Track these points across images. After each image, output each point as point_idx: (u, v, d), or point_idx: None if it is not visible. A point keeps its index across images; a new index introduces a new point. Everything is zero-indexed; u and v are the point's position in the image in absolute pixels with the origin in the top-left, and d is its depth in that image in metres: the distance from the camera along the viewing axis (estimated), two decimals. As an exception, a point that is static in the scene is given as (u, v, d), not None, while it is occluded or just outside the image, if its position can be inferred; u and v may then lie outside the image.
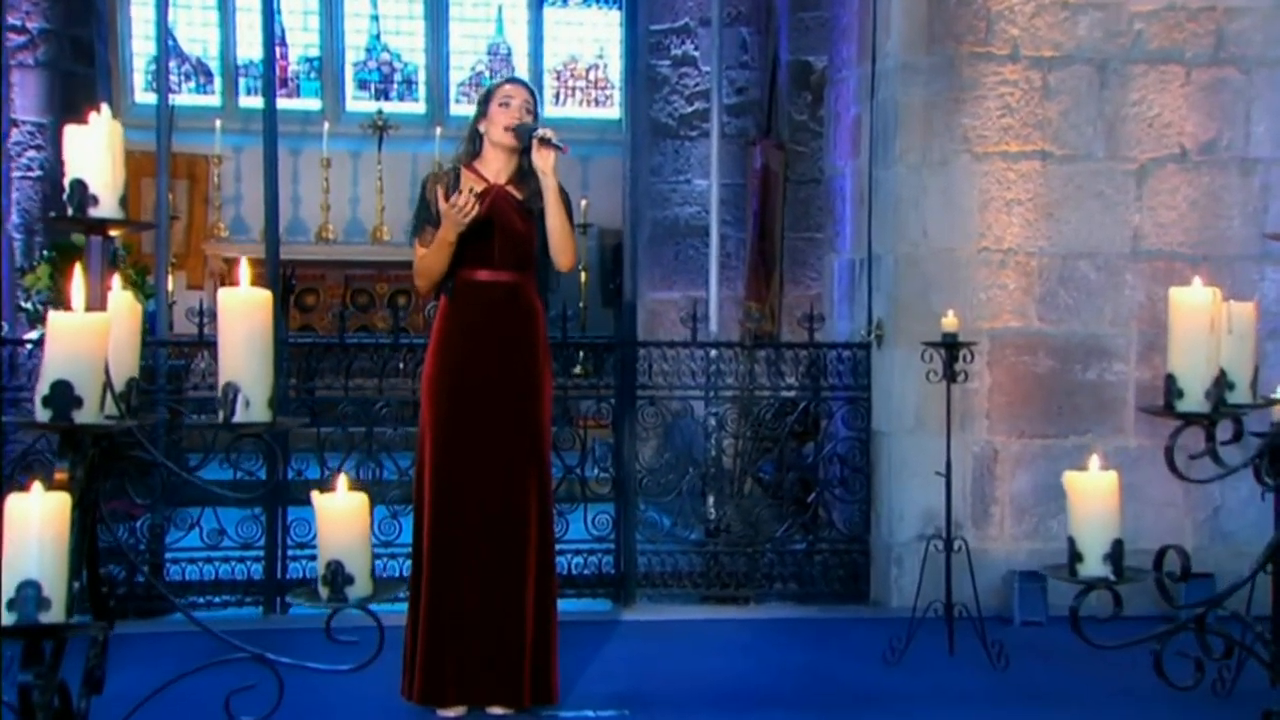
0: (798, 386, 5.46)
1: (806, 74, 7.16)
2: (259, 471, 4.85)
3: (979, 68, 5.16)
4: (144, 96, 10.67)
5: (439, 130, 10.31)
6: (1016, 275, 5.19)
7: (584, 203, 10.04)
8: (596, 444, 5.62)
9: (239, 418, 1.71)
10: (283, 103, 8.26)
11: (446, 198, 3.78)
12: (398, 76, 11.22)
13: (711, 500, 5.56)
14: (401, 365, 5.34)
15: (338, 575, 1.62)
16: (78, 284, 1.62)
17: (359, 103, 11.11)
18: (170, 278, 7.54)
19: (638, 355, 5.34)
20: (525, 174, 3.85)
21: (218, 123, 10.23)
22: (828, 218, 6.12)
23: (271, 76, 5.65)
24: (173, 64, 10.06)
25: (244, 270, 1.78)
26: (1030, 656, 4.50)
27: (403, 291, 9.78)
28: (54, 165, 8.06)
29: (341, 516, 1.64)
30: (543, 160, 3.75)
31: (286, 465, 5.12)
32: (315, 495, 1.67)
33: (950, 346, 4.53)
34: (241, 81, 11.00)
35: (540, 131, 3.75)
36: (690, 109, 7.72)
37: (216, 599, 5.13)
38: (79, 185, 1.67)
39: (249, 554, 5.16)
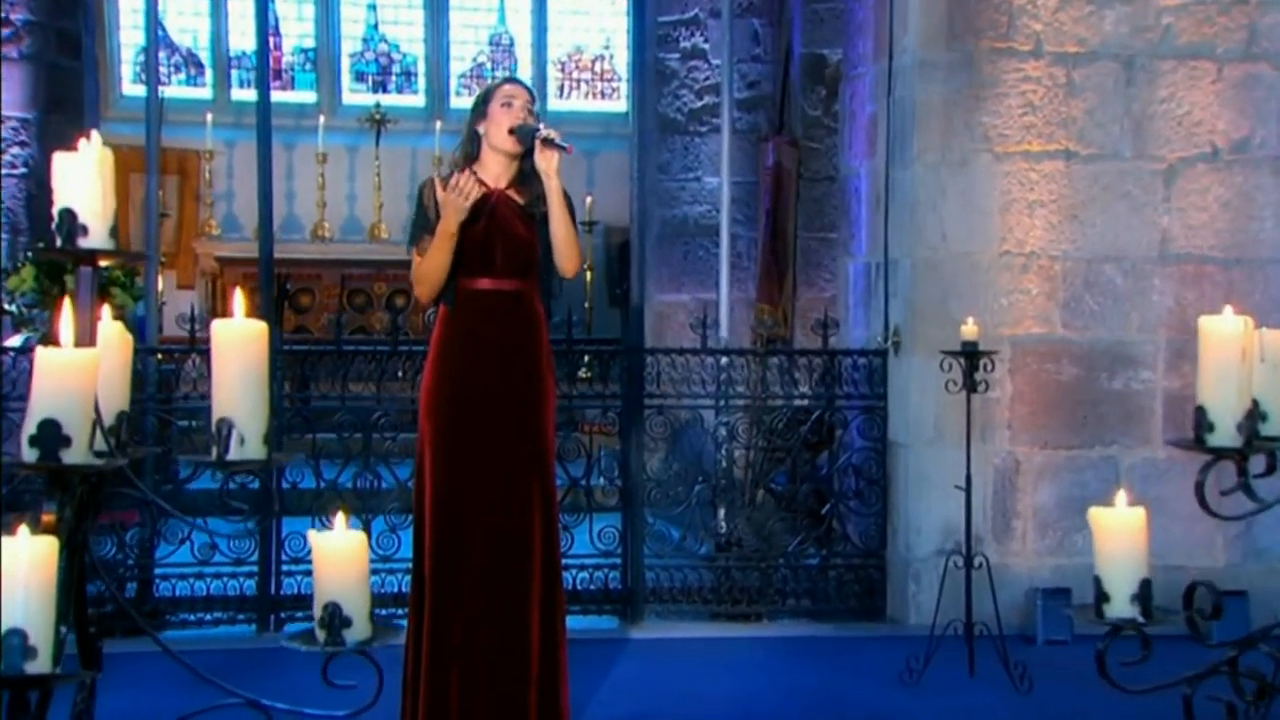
0: (811, 395, 5.46)
1: (821, 68, 7.14)
2: (251, 483, 4.85)
3: (1000, 64, 5.15)
4: (132, 89, 10.68)
5: (439, 124, 10.32)
6: (1039, 280, 5.18)
7: (589, 199, 10.03)
8: (603, 453, 5.62)
9: (233, 455, 1.71)
10: (277, 95, 8.26)
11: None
12: (396, 68, 11.22)
13: (722, 513, 5.56)
14: (401, 374, 5.34)
15: (335, 618, 1.62)
16: (66, 317, 1.62)
17: (356, 95, 11.11)
18: (160, 277, 7.54)
19: (645, 362, 5.34)
20: (526, 177, 3.84)
21: (209, 116, 10.23)
22: (842, 219, 6.11)
23: (265, 68, 5.65)
24: (162, 55, 10.06)
25: (238, 301, 1.78)
26: (1055, 677, 4.49)
27: (401, 291, 9.78)
28: (39, 162, 8.06)
29: (339, 557, 1.63)
30: (546, 161, 3.74)
31: (280, 479, 5.13)
32: (312, 534, 1.67)
33: (970, 355, 4.52)
34: (234, 73, 10.99)
35: (543, 131, 3.74)
36: (700, 104, 7.70)
37: (208, 616, 5.14)
38: (68, 215, 1.67)
39: (242, 569, 5.16)
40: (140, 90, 9.94)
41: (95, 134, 1.74)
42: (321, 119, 10.45)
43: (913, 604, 5.19)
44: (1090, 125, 5.17)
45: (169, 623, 5.10)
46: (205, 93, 10.98)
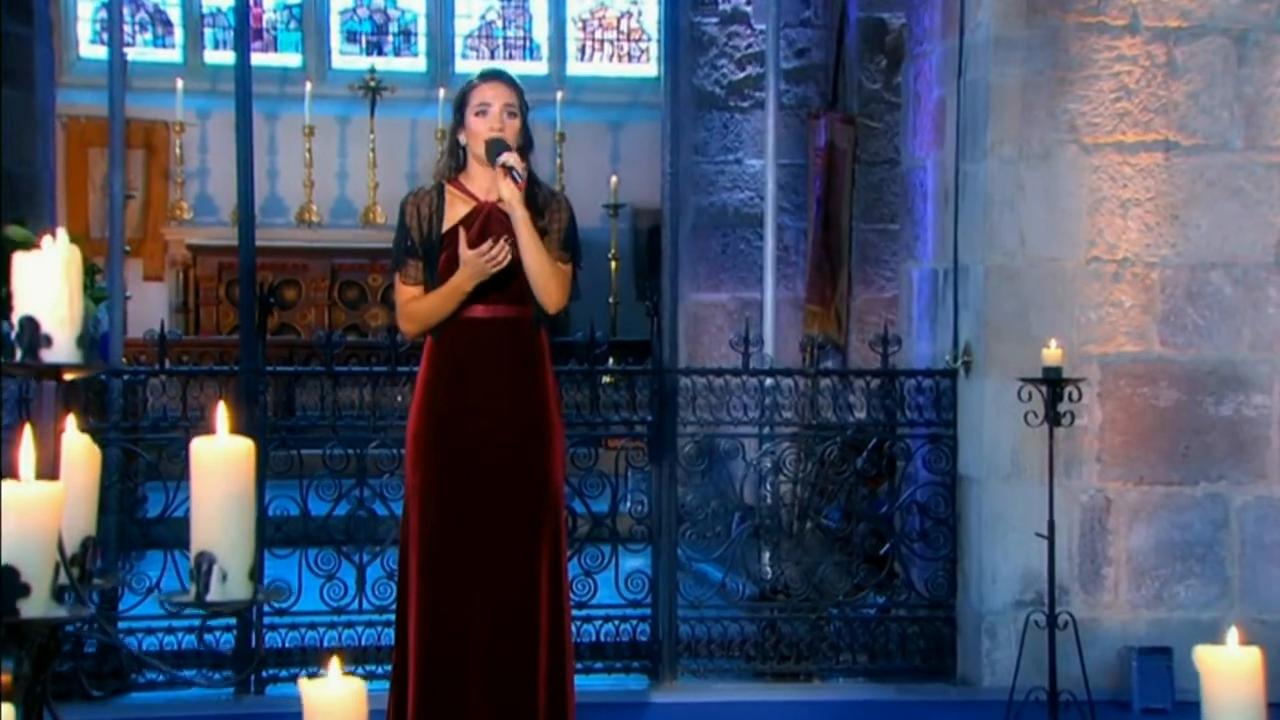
0: (870, 422, 5.44)
1: (881, 34, 7.11)
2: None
3: (1089, 42, 5.10)
4: (91, 50, 10.74)
5: (442, 92, 10.31)
6: (1134, 290, 5.14)
7: (614, 179, 10.04)
8: (630, 473, 5.59)
9: (214, 595, 1.71)
10: (257, 58, 8.29)
11: (431, 219, 3.85)
12: (393, 27, 11.23)
13: (767, 556, 5.55)
14: (400, 397, 5.36)
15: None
16: (27, 446, 1.63)
17: (347, 58, 11.14)
18: (124, 268, 7.58)
19: (679, 385, 5.33)
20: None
21: (179, 82, 10.29)
22: (906, 218, 6.09)
23: (244, 27, 5.65)
24: (126, 11, 10.11)
25: (222, 415, 1.78)
26: (1152, 754, 4.47)
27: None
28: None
29: (333, 711, 1.63)
30: (506, 190, 3.77)
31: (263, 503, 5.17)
32: (303, 684, 1.67)
33: (1053, 383, 4.49)
34: (208, 33, 11.05)
35: (503, 158, 3.77)
36: (741, 75, 7.67)
37: (180, 676, 5.16)
38: (29, 324, 1.68)
39: (218, 621, 5.18)
40: (100, 52, 10.01)
41: (61, 232, 1.75)
42: (308, 86, 10.49)
43: (987, 663, 5.17)
44: (1195, 111, 5.12)
45: (135, 684, 5.13)
46: (175, 55, 11.04)
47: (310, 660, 5.17)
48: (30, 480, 1.62)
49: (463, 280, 3.75)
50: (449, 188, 3.91)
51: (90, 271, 7.61)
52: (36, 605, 1.61)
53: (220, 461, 1.70)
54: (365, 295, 10.19)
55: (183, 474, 4.95)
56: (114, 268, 6.31)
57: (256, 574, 1.75)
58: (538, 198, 3.90)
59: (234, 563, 1.71)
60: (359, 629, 5.19)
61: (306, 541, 5.28)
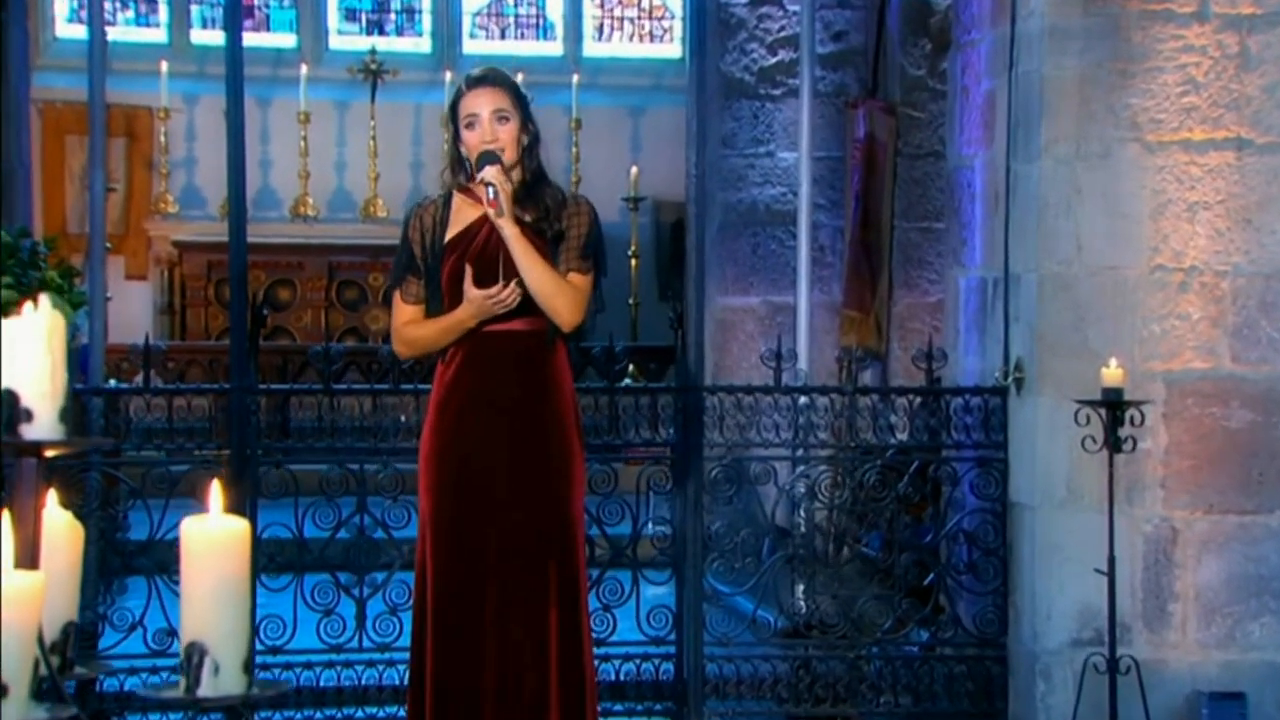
0: (913, 444, 5.42)
1: (925, 16, 7.11)
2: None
3: (1153, 30, 5.07)
4: (68, 30, 10.78)
5: (448, 75, 10.32)
6: (1202, 301, 5.11)
7: (634, 170, 10.03)
8: (652, 493, 5.58)
9: (205, 689, 1.71)
10: (248, 38, 8.26)
11: (434, 229, 3.92)
12: (395, 5, 11.25)
13: (801, 588, 5.54)
14: (403, 417, 5.37)
15: None
16: (6, 529, 1.63)
17: (346, 38, 11.16)
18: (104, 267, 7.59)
19: (704, 404, 5.32)
20: (531, 189, 3.95)
21: (164, 65, 10.31)
22: (952, 221, 6.07)
23: (235, 4, 5.66)
24: (107, -12, 10.14)
25: (215, 494, 1.77)
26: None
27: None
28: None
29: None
30: (491, 212, 3.83)
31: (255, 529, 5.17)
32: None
33: (1113, 406, 4.47)
34: (195, 11, 11.07)
35: (483, 174, 3.83)
36: (773, 60, 7.67)
37: (164, 720, 5.18)
38: (10, 397, 1.68)
39: (207, 659, 5.19)
40: (78, 31, 10.05)
41: (44, 299, 1.75)
42: (304, 68, 10.52)
43: (1041, 707, 5.14)
44: (1270, 106, 5.08)
45: (117, 726, 5.15)
46: (159, 35, 11.07)
47: (306, 702, 5.20)
48: (9, 570, 1.62)
49: (465, 317, 3.83)
50: (457, 194, 3.99)
51: (68, 273, 7.62)
52: (15, 707, 1.61)
53: (213, 546, 1.70)
54: (365, 296, 10.20)
55: (168, 494, 5.04)
56: (94, 269, 6.32)
57: (250, 666, 1.75)
58: (546, 198, 3.97)
59: (227, 654, 1.71)
60: (359, 669, 5.20)
61: (301, 568, 5.28)
